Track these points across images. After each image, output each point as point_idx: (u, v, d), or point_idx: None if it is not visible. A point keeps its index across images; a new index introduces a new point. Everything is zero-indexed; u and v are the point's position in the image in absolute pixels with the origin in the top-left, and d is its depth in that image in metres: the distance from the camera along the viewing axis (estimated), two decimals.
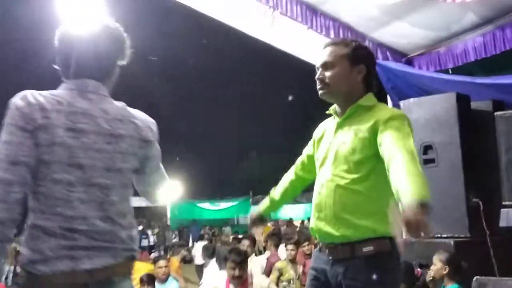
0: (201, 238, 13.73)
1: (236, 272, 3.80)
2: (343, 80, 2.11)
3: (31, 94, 1.57)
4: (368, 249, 1.99)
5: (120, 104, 1.74)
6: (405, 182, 1.72)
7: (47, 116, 1.53)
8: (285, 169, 2.54)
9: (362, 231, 2.02)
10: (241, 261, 3.86)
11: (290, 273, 5.39)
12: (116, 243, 1.61)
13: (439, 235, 3.92)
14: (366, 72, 2.15)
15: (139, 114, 1.77)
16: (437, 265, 3.60)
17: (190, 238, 16.82)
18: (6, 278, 11.63)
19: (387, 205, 1.92)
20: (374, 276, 1.95)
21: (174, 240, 15.60)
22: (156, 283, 5.27)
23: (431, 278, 3.63)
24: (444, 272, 3.57)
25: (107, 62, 1.75)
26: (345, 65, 2.11)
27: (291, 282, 5.35)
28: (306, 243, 6.11)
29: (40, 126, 1.52)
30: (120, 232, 1.63)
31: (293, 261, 5.62)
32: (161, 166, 1.88)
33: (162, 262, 5.51)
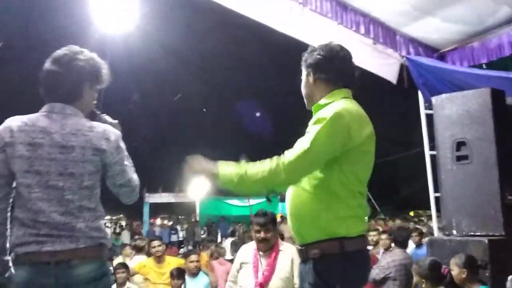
0: (232, 234, 13.83)
1: (262, 235, 3.39)
2: (303, 87, 2.29)
3: (8, 120, 2.06)
4: (314, 252, 2.00)
5: (82, 120, 2.12)
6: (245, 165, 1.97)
7: (13, 135, 2.01)
8: None
9: (310, 232, 2.03)
10: (265, 222, 3.42)
11: None
12: (74, 232, 2.00)
13: (472, 233, 3.84)
14: (314, 73, 2.21)
15: (98, 128, 2.12)
16: (455, 270, 3.51)
17: (219, 234, 16.96)
18: None
19: (338, 206, 1.98)
20: (319, 281, 1.96)
21: (203, 236, 15.75)
22: (187, 277, 5.36)
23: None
24: (463, 276, 3.47)
25: (75, 87, 2.14)
26: (303, 74, 2.29)
27: None
28: None
29: (7, 143, 2.01)
30: (80, 223, 2.02)
31: None
32: (126, 170, 2.17)
33: (193, 257, 5.58)
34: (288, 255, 3.41)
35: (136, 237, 8.63)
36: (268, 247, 3.43)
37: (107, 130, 2.15)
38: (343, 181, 2.01)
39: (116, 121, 2.33)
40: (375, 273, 4.73)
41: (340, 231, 1.98)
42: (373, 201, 21.72)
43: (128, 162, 2.18)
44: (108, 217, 36.13)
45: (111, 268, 2.65)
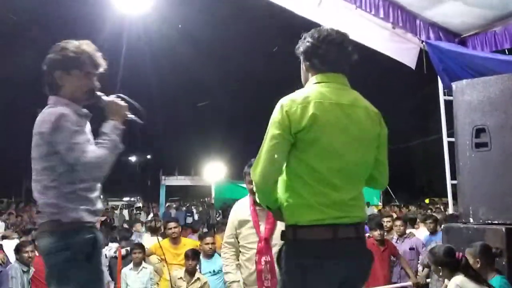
0: None
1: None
2: (301, 76, 2.31)
3: None
4: (282, 239, 2.13)
5: (48, 109, 2.25)
6: None
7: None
8: None
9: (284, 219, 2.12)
10: None
11: None
12: (41, 208, 2.28)
13: (489, 221, 3.80)
14: (304, 60, 2.22)
15: (43, 113, 2.24)
16: (470, 260, 3.48)
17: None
18: None
19: (289, 194, 2.04)
20: (278, 266, 2.13)
21: (218, 219, 15.89)
22: (202, 259, 5.43)
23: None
24: (478, 266, 3.45)
25: (49, 78, 2.31)
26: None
27: None
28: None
29: None
30: (42, 201, 2.24)
31: None
32: (73, 148, 2.17)
33: (208, 239, 5.65)
34: None
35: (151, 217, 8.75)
36: None
37: (49, 112, 2.22)
38: (295, 169, 2.04)
39: (116, 100, 2.35)
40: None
41: (291, 219, 2.06)
42: (388, 188, 21.67)
43: (75, 140, 2.17)
44: (125, 199, 36.68)
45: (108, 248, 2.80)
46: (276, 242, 3.13)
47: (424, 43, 5.23)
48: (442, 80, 5.19)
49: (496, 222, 3.78)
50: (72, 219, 2.21)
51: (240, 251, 3.44)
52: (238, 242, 3.46)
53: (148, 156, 45.61)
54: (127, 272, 5.26)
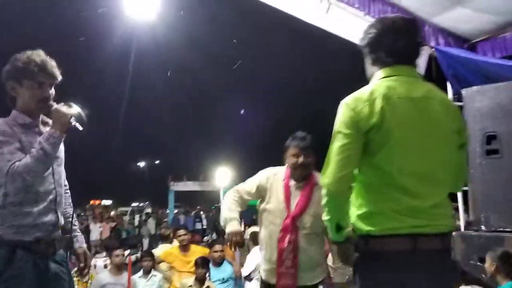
0: (254, 223, 13.86)
1: (301, 159, 2.98)
2: (367, 72, 2.10)
3: None
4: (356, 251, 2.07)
5: None
6: None
7: None
8: None
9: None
10: (306, 146, 3.00)
11: None
12: None
13: (501, 229, 3.77)
14: (369, 54, 2.03)
15: None
16: (488, 262, 3.51)
17: (243, 223, 17.04)
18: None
19: (360, 202, 1.92)
20: (356, 281, 1.98)
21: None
22: (211, 267, 5.43)
23: (488, 276, 3.54)
24: (493, 269, 3.47)
25: (6, 91, 2.30)
26: None
27: None
28: None
29: None
30: None
31: None
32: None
33: (217, 247, 5.64)
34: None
35: (162, 225, 8.77)
36: (305, 175, 3.02)
37: None
38: (364, 174, 1.86)
39: (60, 107, 2.28)
40: None
41: (363, 229, 1.84)
42: None
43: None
44: (134, 204, 36.81)
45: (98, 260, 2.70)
46: (306, 225, 2.95)
47: (433, 49, 5.21)
48: (451, 86, 5.16)
49: (508, 229, 3.74)
50: None
51: (263, 224, 3.11)
52: (262, 212, 3.13)
53: (157, 162, 45.80)
54: (137, 280, 5.27)
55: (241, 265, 6.08)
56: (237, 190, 3.14)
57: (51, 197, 2.28)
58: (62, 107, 2.27)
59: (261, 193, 3.11)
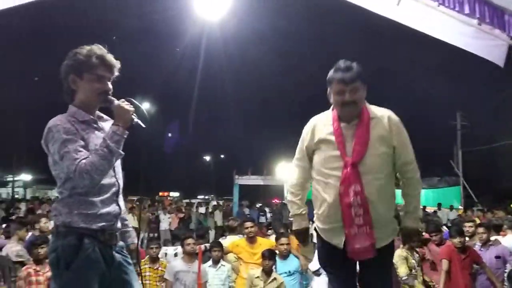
0: None
1: (346, 96, 2.54)
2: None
3: None
4: None
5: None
6: None
7: None
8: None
9: None
10: (352, 78, 2.55)
11: (412, 261, 5.24)
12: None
13: None
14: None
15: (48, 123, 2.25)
16: None
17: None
18: (142, 243, 12.95)
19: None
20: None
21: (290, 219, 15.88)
22: (278, 259, 5.49)
23: None
24: None
25: (64, 85, 2.34)
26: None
27: (413, 270, 5.20)
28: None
29: None
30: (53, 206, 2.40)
31: (412, 248, 5.48)
32: (62, 159, 2.16)
33: (284, 240, 5.69)
34: (383, 122, 2.58)
35: (230, 218, 8.97)
36: (355, 113, 2.56)
37: (50, 122, 2.22)
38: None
39: (122, 104, 2.28)
40: None
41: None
42: (470, 191, 20.50)
43: (65, 149, 2.14)
44: (200, 196, 37.82)
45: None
46: (371, 169, 2.51)
47: None
48: None
49: None
50: (61, 222, 2.20)
51: (315, 179, 2.70)
52: (312, 167, 2.73)
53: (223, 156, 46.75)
54: (207, 269, 5.44)
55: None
56: (296, 163, 2.83)
57: (113, 189, 2.31)
58: (125, 104, 2.29)
59: (314, 149, 2.69)
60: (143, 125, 2.32)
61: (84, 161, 2.10)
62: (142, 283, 5.17)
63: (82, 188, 2.17)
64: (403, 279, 5.21)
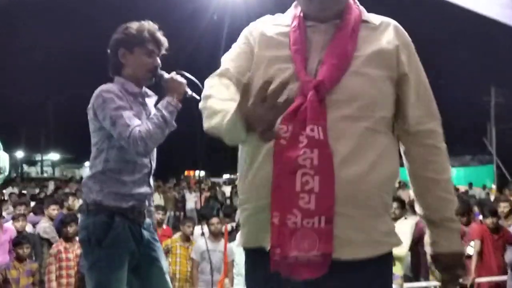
0: None
1: None
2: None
3: None
4: None
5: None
6: None
7: None
8: None
9: None
10: None
11: None
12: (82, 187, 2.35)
13: None
14: None
15: (97, 89, 2.22)
16: None
17: None
18: (168, 221, 13.12)
19: None
20: None
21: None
22: None
23: None
24: None
25: (112, 58, 2.33)
26: None
27: None
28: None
29: None
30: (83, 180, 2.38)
31: None
32: (115, 123, 2.12)
33: None
34: (385, 31, 1.40)
35: None
36: (334, 9, 1.37)
37: (100, 88, 2.22)
38: None
39: (175, 76, 2.28)
40: None
41: None
42: (503, 169, 19.92)
43: (118, 114, 2.12)
44: (225, 175, 38.04)
45: None
46: (349, 103, 1.26)
47: None
48: None
49: None
50: (92, 200, 2.20)
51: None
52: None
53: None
54: (234, 248, 5.43)
55: None
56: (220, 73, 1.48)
57: (146, 170, 2.31)
58: (177, 76, 2.29)
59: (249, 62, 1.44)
60: (198, 97, 2.26)
61: (138, 128, 2.08)
62: (173, 260, 5.25)
63: (115, 162, 2.18)
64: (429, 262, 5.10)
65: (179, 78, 2.28)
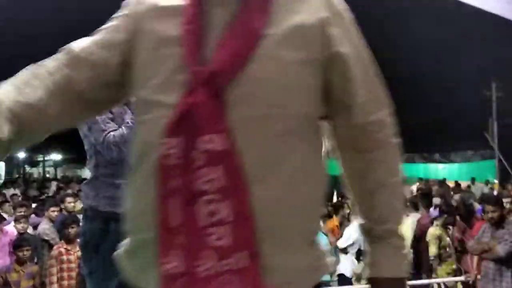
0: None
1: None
2: None
3: None
4: None
5: None
6: None
7: None
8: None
9: None
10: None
11: (446, 239, 5.09)
12: None
13: None
14: None
15: None
16: None
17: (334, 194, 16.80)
18: None
19: None
20: None
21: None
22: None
23: None
24: None
25: None
26: None
27: (447, 249, 5.05)
28: None
29: None
30: None
31: (444, 226, 5.33)
32: (91, 128, 2.11)
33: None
34: (308, 2, 1.00)
35: None
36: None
37: None
38: None
39: None
40: None
41: None
42: (506, 164, 19.85)
43: (93, 120, 2.08)
44: None
45: None
46: (254, 99, 0.91)
47: None
48: None
49: None
50: (88, 206, 2.19)
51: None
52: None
53: None
54: None
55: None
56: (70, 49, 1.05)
57: None
58: None
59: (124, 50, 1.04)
60: None
61: (112, 132, 2.06)
62: None
63: (105, 166, 2.15)
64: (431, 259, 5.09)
65: None
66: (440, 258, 5.20)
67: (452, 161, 16.40)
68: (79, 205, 7.38)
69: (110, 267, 2.11)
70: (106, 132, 2.06)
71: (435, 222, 5.54)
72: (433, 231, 5.27)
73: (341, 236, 5.98)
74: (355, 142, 1.05)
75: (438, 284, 5.50)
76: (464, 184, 15.76)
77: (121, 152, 2.06)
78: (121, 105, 2.22)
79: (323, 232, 5.68)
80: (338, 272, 5.77)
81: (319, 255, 1.02)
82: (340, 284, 5.62)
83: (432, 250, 5.13)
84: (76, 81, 1.00)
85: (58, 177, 26.87)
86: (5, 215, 6.65)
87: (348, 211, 6.52)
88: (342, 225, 6.45)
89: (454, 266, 5.38)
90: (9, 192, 12.26)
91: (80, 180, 16.53)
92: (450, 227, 5.46)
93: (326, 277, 5.42)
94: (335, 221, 6.52)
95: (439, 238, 5.08)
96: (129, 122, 2.11)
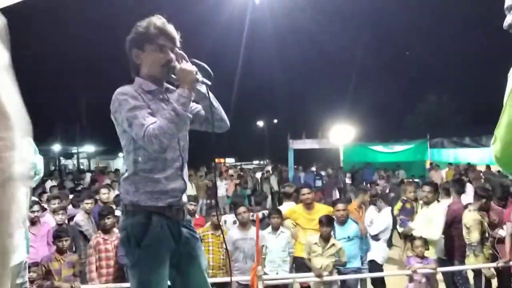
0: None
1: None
2: None
3: None
4: None
5: None
6: None
7: None
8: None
9: None
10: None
11: (485, 224, 5.00)
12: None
13: None
14: None
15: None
16: None
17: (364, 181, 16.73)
18: (200, 210, 13.34)
19: None
20: None
21: (348, 182, 15.69)
22: (336, 225, 5.44)
23: None
24: None
25: (130, 60, 2.34)
26: None
27: (486, 233, 4.97)
28: None
29: None
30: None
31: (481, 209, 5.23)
32: (132, 124, 2.14)
33: (340, 206, 5.61)
34: None
35: (285, 184, 8.96)
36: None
37: (116, 91, 2.21)
38: None
39: (183, 65, 2.25)
40: None
41: None
42: None
43: (133, 115, 2.13)
44: (255, 162, 38.20)
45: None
46: None
47: None
48: None
49: None
50: (129, 202, 2.23)
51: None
52: None
53: (275, 121, 46.67)
54: (266, 236, 5.48)
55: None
56: None
57: (177, 164, 2.30)
58: (186, 65, 2.26)
59: None
60: (209, 82, 2.31)
61: (152, 126, 2.08)
62: (206, 249, 5.35)
63: (144, 162, 2.19)
64: (472, 245, 4.99)
65: (188, 66, 2.25)
66: (482, 243, 5.11)
67: (483, 146, 15.96)
68: (111, 196, 7.61)
69: (152, 260, 2.21)
70: (147, 125, 2.09)
71: (470, 207, 5.45)
72: (473, 215, 5.15)
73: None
74: None
75: (472, 270, 5.43)
76: (495, 168, 15.36)
77: (162, 144, 2.09)
78: (158, 101, 2.29)
79: (353, 220, 5.68)
80: (369, 258, 5.77)
81: None
82: (371, 271, 5.62)
83: (475, 235, 5.04)
84: None
85: (92, 168, 27.49)
86: (45, 206, 6.89)
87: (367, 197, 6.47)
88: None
89: (490, 251, 5.30)
90: (48, 184, 12.64)
91: (114, 171, 16.89)
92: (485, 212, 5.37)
93: (358, 264, 5.44)
94: (353, 205, 6.43)
95: (481, 223, 4.98)
96: (167, 113, 2.13)
